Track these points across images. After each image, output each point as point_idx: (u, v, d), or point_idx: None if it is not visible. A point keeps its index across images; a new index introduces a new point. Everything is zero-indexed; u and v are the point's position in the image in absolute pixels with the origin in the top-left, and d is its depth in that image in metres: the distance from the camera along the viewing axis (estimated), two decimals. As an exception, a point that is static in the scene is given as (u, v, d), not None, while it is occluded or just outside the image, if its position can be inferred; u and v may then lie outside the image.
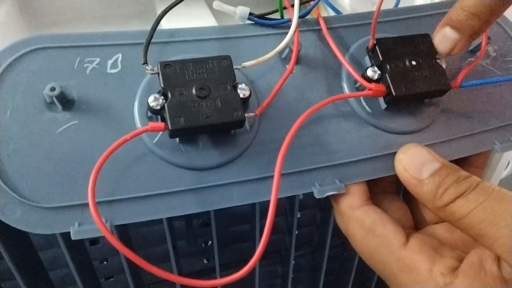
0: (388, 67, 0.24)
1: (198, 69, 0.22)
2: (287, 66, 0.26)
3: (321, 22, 0.26)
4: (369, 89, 0.24)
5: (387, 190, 0.28)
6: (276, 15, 0.27)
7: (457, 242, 0.24)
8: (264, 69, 0.26)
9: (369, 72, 0.25)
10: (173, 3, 0.24)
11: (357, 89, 0.26)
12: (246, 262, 0.19)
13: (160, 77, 0.22)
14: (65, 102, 0.22)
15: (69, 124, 0.22)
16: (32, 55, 0.23)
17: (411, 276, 0.22)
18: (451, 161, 0.23)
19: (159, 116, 0.22)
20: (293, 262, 0.30)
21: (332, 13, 0.31)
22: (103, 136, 0.22)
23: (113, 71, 0.24)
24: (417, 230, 0.26)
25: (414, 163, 0.23)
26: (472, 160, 0.28)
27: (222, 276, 0.27)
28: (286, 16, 0.27)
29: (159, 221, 0.25)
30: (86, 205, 0.21)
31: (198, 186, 0.23)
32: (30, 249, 0.26)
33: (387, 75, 0.24)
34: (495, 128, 0.27)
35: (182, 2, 0.24)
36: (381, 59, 0.24)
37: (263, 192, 0.23)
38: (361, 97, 0.26)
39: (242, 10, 0.26)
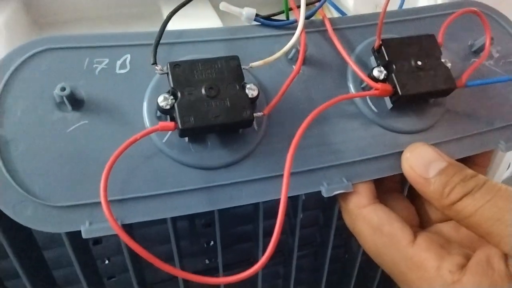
0: (394, 67, 0.24)
1: (207, 69, 0.22)
2: (293, 66, 0.26)
3: (327, 22, 0.26)
4: (376, 89, 0.24)
5: (392, 190, 0.28)
6: (282, 16, 0.28)
7: (463, 241, 0.25)
8: (271, 70, 0.26)
9: (375, 72, 0.25)
10: (180, 4, 0.24)
11: (363, 89, 0.26)
12: (247, 262, 0.19)
13: (170, 77, 0.22)
14: (75, 102, 0.23)
15: (79, 124, 0.23)
16: (42, 56, 0.23)
17: (419, 274, 0.22)
18: (456, 160, 0.24)
19: (168, 116, 0.22)
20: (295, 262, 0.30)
21: (336, 14, 0.31)
22: (112, 136, 0.23)
23: (122, 71, 0.24)
24: (423, 229, 0.26)
25: (421, 162, 0.23)
26: (476, 159, 0.28)
27: (224, 276, 0.27)
28: (291, 17, 0.27)
29: (162, 221, 0.25)
30: (96, 204, 0.21)
31: (207, 185, 0.23)
32: (34, 248, 0.26)
33: (393, 75, 0.24)
34: (500, 128, 0.28)
35: (188, 4, 0.24)
36: (387, 59, 0.25)
37: (271, 191, 0.23)
38: (367, 97, 0.26)
39: (249, 11, 0.26)
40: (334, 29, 0.27)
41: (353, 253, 0.31)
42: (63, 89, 0.22)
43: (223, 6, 0.26)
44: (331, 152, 0.25)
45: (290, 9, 0.27)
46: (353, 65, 0.25)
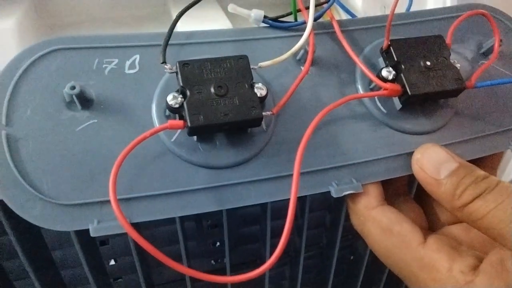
0: (403, 67, 0.24)
1: (216, 68, 0.22)
2: (301, 67, 0.26)
3: (335, 24, 0.26)
4: (385, 89, 0.24)
5: (400, 192, 0.28)
6: (290, 18, 0.28)
7: (474, 243, 0.24)
8: (279, 70, 0.26)
9: (384, 73, 0.25)
10: (189, 4, 0.24)
11: (372, 90, 0.26)
12: (253, 264, 0.19)
13: (179, 75, 0.22)
14: (84, 101, 0.23)
15: (88, 123, 0.23)
16: (52, 56, 0.24)
17: (431, 275, 0.22)
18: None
19: (177, 115, 0.22)
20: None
21: (344, 15, 0.31)
22: (121, 135, 0.23)
23: (131, 71, 0.24)
24: (432, 231, 0.26)
25: (432, 163, 0.23)
26: (486, 161, 0.28)
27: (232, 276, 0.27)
28: (299, 19, 0.27)
29: (169, 221, 0.25)
30: (105, 202, 0.21)
31: (216, 185, 0.23)
32: (43, 248, 0.26)
33: (402, 75, 0.24)
34: (510, 129, 0.28)
35: (196, 4, 0.25)
36: (395, 59, 0.25)
37: (280, 191, 0.23)
38: (376, 98, 0.26)
39: (257, 13, 0.27)
40: (342, 31, 0.27)
41: (360, 255, 0.31)
42: (73, 87, 0.22)
43: (231, 8, 0.27)
44: (340, 152, 0.25)
45: (299, 10, 0.27)
46: (361, 65, 0.25)
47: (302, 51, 0.26)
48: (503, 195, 0.21)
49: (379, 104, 0.26)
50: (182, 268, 0.18)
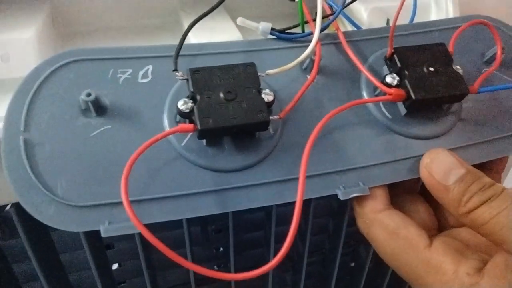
0: (406, 73, 0.25)
1: (225, 74, 0.23)
2: (307, 76, 0.27)
3: (340, 34, 0.27)
4: (389, 94, 0.25)
5: (410, 191, 0.28)
6: (297, 29, 0.29)
7: (480, 246, 0.24)
8: (286, 79, 0.27)
9: (388, 79, 0.25)
10: (200, 16, 0.26)
11: (377, 96, 0.27)
12: (257, 268, 0.19)
13: (190, 81, 0.23)
14: (99, 108, 0.24)
15: (102, 128, 0.24)
16: (69, 67, 0.25)
17: (437, 277, 0.22)
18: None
19: (187, 120, 0.23)
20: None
21: (349, 28, 0.32)
22: (133, 140, 0.23)
23: (144, 80, 0.25)
24: (440, 232, 0.26)
25: (441, 169, 0.23)
26: (491, 165, 0.28)
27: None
28: (306, 30, 0.28)
29: (175, 226, 0.25)
30: (116, 204, 0.22)
31: (224, 187, 0.23)
32: (52, 251, 0.26)
33: (406, 80, 0.25)
34: (515, 134, 0.28)
35: (207, 16, 0.26)
36: (399, 66, 0.25)
37: (288, 193, 0.24)
38: (381, 104, 0.26)
39: (265, 26, 0.28)
40: (347, 41, 0.28)
41: (361, 261, 0.30)
42: (88, 94, 0.23)
43: (240, 21, 0.28)
44: (347, 157, 0.25)
45: (306, 22, 0.28)
46: (366, 72, 0.26)
47: (308, 60, 0.27)
48: (507, 202, 0.21)
49: (384, 110, 0.26)
50: (192, 266, 0.19)
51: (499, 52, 0.27)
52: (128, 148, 0.23)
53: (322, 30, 0.27)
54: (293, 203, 0.21)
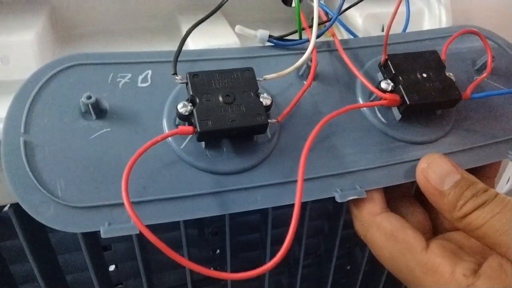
0: (400, 78, 0.26)
1: (224, 79, 0.24)
2: (304, 82, 0.28)
3: (336, 41, 0.28)
4: (384, 99, 0.25)
5: (405, 195, 0.28)
6: (295, 36, 0.29)
7: (474, 248, 0.25)
8: (283, 85, 0.27)
9: (383, 85, 0.26)
10: (198, 21, 0.26)
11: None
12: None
13: (189, 85, 0.23)
14: (99, 111, 0.24)
15: (102, 131, 0.24)
16: (70, 71, 0.25)
17: (434, 278, 0.22)
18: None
19: (186, 123, 0.24)
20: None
21: (345, 35, 0.33)
22: (133, 143, 0.24)
23: (144, 85, 0.26)
24: (435, 235, 0.26)
25: (437, 174, 0.24)
26: (483, 171, 0.29)
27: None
28: (304, 37, 0.29)
29: (173, 228, 0.25)
30: (116, 205, 0.22)
31: (223, 189, 0.23)
32: (50, 253, 0.26)
33: (400, 86, 0.25)
34: (507, 139, 0.28)
35: (205, 21, 0.26)
36: (393, 72, 0.26)
37: (286, 196, 0.24)
38: (376, 110, 0.27)
39: (262, 33, 0.28)
40: (343, 49, 0.28)
41: (357, 263, 0.31)
42: (89, 97, 0.23)
43: (238, 29, 0.28)
44: (343, 161, 0.26)
45: (303, 29, 0.29)
46: (361, 78, 0.26)
47: (304, 66, 0.27)
48: (499, 207, 0.22)
49: (379, 115, 0.27)
50: (190, 264, 0.19)
51: (489, 59, 0.28)
52: (127, 150, 0.23)
53: (318, 36, 0.28)
54: (290, 205, 0.22)
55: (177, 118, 0.24)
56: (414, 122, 0.27)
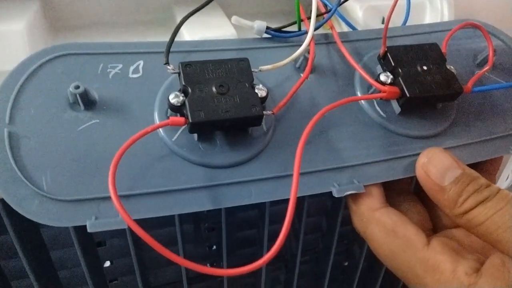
0: (400, 71, 0.25)
1: (218, 69, 0.23)
2: (301, 74, 0.27)
3: (335, 33, 0.27)
4: (383, 91, 0.24)
5: (404, 191, 0.27)
6: (293, 27, 0.29)
7: (475, 246, 0.24)
8: (279, 78, 0.27)
9: (382, 77, 0.25)
10: (193, 10, 0.25)
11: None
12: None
13: (181, 75, 0.22)
14: (87, 102, 0.23)
15: (90, 122, 0.23)
16: (58, 60, 0.24)
17: (436, 276, 0.21)
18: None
19: (178, 114, 0.23)
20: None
21: (345, 28, 0.32)
22: (122, 134, 0.23)
23: (135, 76, 0.25)
24: (435, 233, 0.26)
25: (438, 169, 0.23)
26: (485, 166, 0.28)
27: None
28: (303, 29, 0.28)
29: (167, 223, 0.25)
30: (103, 199, 0.21)
31: (216, 183, 0.23)
32: (42, 248, 0.25)
33: (399, 78, 0.25)
34: (509, 135, 0.28)
35: (201, 11, 0.26)
36: (392, 64, 0.25)
37: (281, 190, 0.23)
38: (375, 103, 0.26)
39: (260, 25, 0.27)
40: (342, 42, 0.27)
41: (355, 260, 0.30)
42: (77, 87, 0.22)
43: (234, 20, 0.28)
44: (341, 155, 0.25)
45: (302, 20, 0.28)
46: (360, 70, 0.25)
47: (301, 58, 0.26)
48: (502, 203, 0.21)
49: (378, 109, 0.26)
50: (182, 261, 0.18)
51: (491, 53, 0.28)
52: (117, 142, 0.22)
53: (316, 28, 0.27)
54: (287, 201, 0.21)
55: (169, 110, 0.23)
56: (413, 116, 0.26)
